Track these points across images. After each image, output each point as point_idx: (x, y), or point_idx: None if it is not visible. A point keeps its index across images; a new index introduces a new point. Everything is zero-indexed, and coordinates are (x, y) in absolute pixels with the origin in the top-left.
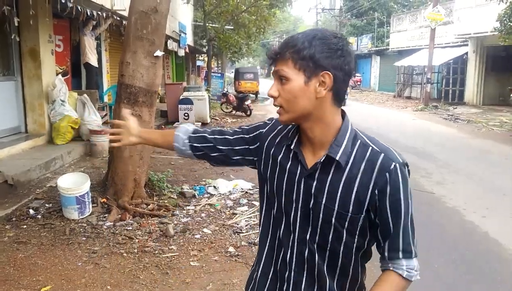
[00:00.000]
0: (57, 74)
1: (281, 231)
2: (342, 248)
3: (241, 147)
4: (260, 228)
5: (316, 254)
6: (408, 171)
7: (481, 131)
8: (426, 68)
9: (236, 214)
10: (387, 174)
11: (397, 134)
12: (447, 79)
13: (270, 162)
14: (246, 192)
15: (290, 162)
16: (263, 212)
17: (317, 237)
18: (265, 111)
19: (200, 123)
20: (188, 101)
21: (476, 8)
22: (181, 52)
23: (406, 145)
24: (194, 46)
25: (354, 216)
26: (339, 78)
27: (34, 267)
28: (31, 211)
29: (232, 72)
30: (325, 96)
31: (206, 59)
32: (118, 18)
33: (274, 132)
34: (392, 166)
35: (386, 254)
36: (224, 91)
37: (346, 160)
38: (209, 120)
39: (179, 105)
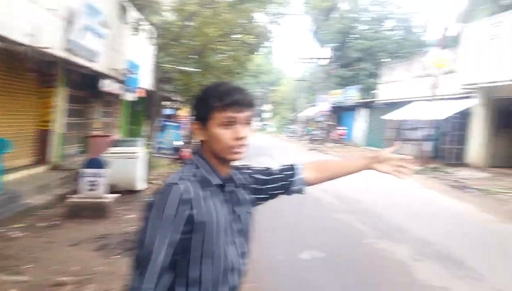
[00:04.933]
0: None
1: None
2: None
3: None
4: None
5: None
6: None
7: (505, 208)
8: (418, 123)
9: None
10: None
11: (402, 216)
12: (446, 136)
13: None
14: None
15: None
16: None
17: None
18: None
19: (118, 194)
20: (97, 163)
21: (487, 54)
22: (129, 97)
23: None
24: (156, 91)
25: None
26: None
27: None
28: None
29: None
30: None
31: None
32: None
33: None
34: None
35: None
36: (175, 146)
37: None
38: (144, 186)
39: (82, 170)
